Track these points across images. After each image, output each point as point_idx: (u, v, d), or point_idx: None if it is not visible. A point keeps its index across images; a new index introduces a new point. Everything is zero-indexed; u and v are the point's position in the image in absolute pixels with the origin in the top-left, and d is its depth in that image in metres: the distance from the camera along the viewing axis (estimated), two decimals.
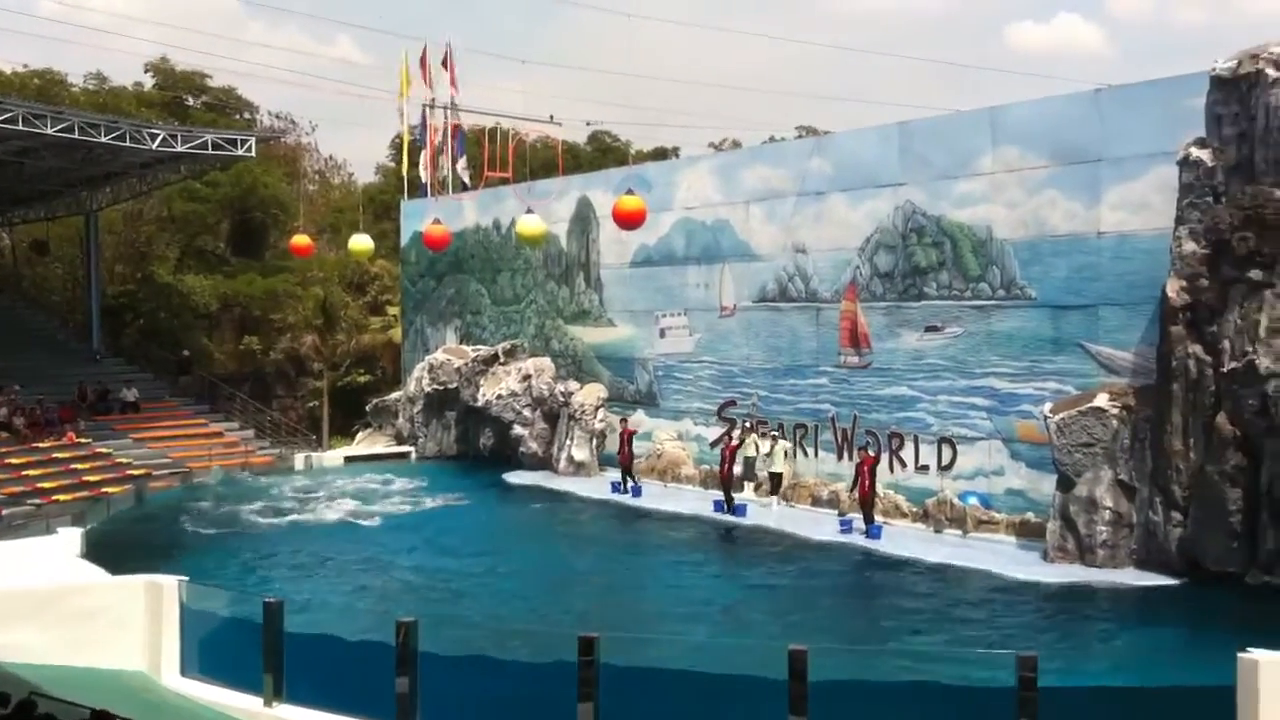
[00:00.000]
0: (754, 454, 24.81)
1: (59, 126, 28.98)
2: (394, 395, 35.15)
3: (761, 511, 23.48)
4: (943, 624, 15.94)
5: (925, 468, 22.32)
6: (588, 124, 48.01)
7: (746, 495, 24.39)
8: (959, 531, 21.05)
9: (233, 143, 33.42)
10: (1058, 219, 20.35)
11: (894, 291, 23.03)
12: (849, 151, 24.27)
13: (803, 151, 26.07)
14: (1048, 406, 19.38)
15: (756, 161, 26.89)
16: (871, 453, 21.91)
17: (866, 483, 21.21)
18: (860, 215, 23.62)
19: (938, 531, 21.27)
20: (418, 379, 32.88)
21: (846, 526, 21.62)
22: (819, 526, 21.96)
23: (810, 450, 24.53)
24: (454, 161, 37.09)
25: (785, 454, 24.21)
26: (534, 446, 29.61)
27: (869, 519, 21.17)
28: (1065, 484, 18.73)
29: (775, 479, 24.11)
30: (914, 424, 22.56)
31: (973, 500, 21.30)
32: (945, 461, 22.05)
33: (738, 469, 24.34)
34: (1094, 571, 18.02)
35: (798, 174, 25.01)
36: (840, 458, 23.84)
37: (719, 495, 24.13)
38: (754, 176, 26.15)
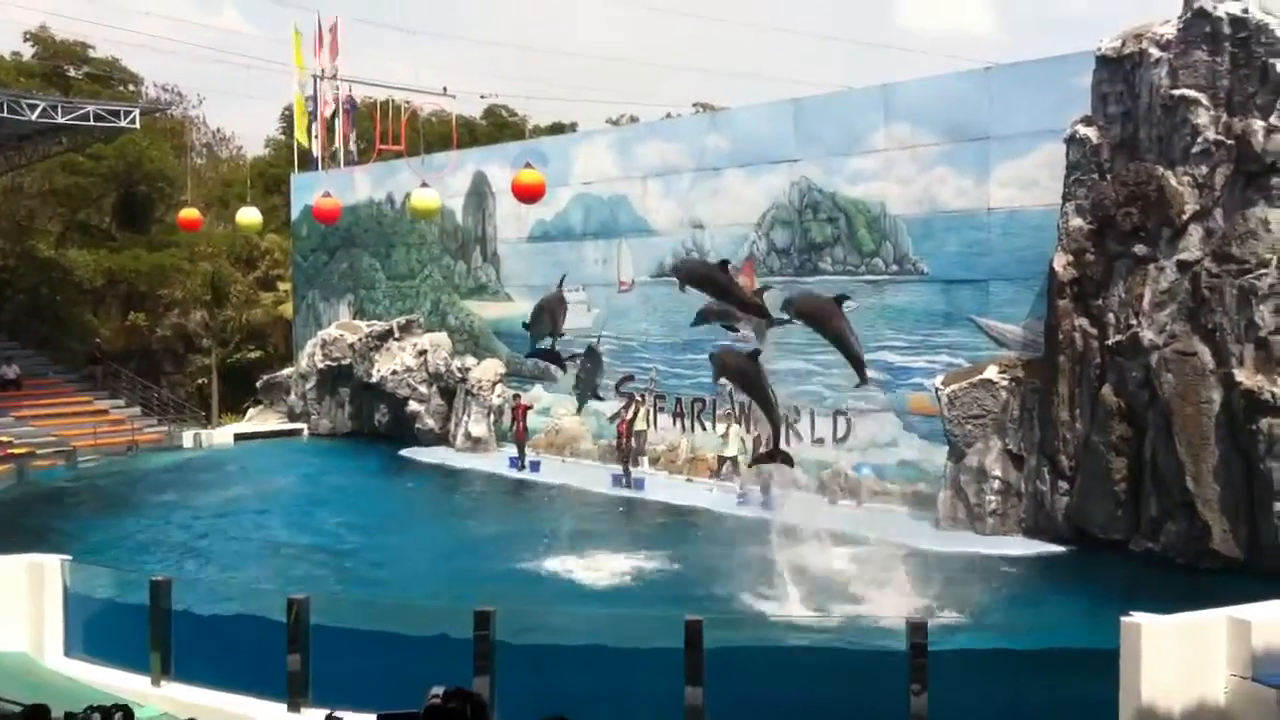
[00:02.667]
0: (644, 427, 24.90)
1: None
2: (285, 372, 34.53)
3: (657, 485, 23.56)
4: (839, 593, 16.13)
5: (820, 440, 22.56)
6: (482, 97, 47.64)
7: (644, 470, 24.48)
8: (853, 502, 21.36)
9: (116, 114, 32.42)
10: (949, 195, 20.69)
11: (791, 267, 23.21)
12: (745, 127, 24.38)
13: (699, 127, 26.13)
14: (939, 379, 19.73)
15: (653, 137, 26.88)
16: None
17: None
18: (757, 191, 23.74)
19: (833, 503, 21.55)
20: (310, 355, 32.33)
21: (744, 500, 21.82)
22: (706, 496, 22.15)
23: (708, 424, 24.64)
24: (345, 134, 36.42)
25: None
26: (430, 423, 29.33)
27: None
28: (956, 454, 19.11)
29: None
30: (809, 396, 22.77)
31: (866, 471, 21.62)
32: (840, 434, 22.32)
33: (634, 443, 24.40)
34: (984, 539, 18.43)
35: (694, 150, 25.06)
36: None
37: (617, 470, 24.14)
38: (651, 152, 26.13)
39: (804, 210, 22.91)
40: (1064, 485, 17.96)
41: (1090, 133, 17.89)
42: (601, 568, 17.88)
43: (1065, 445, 17.88)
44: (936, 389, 19.52)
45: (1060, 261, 17.91)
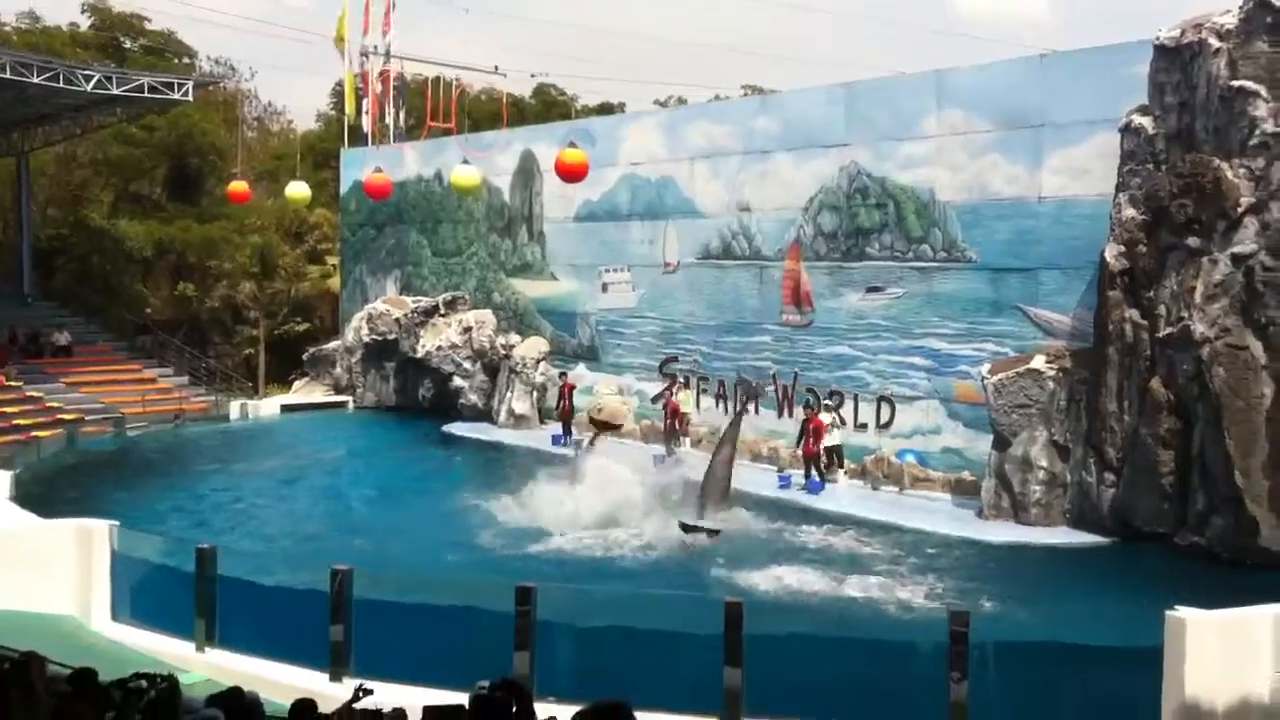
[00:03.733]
0: (687, 410, 24.90)
1: None
2: (332, 345, 34.77)
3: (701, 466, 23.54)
4: (879, 578, 16.10)
5: (864, 426, 22.47)
6: (533, 76, 47.66)
7: (686, 451, 24.47)
8: (895, 488, 21.30)
9: (170, 86, 32.82)
10: (1000, 183, 20.49)
11: (837, 251, 23.10)
12: (795, 111, 24.24)
13: (749, 110, 26.00)
14: (985, 367, 19.58)
15: (702, 119, 26.78)
16: (824, 418, 21.80)
17: (811, 441, 21.34)
18: (805, 175, 23.63)
19: (875, 489, 21.50)
20: (356, 329, 32.55)
21: (785, 482, 21.78)
22: (758, 481, 22.08)
23: (751, 407, 24.61)
24: (396, 110, 36.57)
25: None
26: (474, 399, 29.49)
27: (808, 474, 21.37)
28: (1001, 444, 18.97)
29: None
30: (853, 383, 22.71)
31: (909, 458, 21.54)
32: (884, 420, 22.23)
33: (677, 424, 24.47)
34: (1028, 530, 18.32)
35: (743, 132, 24.96)
36: (781, 415, 23.94)
37: (660, 449, 24.20)
38: (699, 134, 26.05)
39: (852, 195, 22.78)
40: (1110, 477, 17.79)
41: (1146, 122, 17.65)
42: (643, 545, 17.91)
43: (1112, 437, 17.71)
44: (983, 377, 19.38)
45: (1112, 252, 17.70)
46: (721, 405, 25.06)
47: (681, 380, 25.47)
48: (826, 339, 23.30)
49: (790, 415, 23.48)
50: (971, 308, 20.90)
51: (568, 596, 12.61)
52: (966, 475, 20.55)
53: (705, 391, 25.23)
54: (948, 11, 71.99)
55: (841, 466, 22.08)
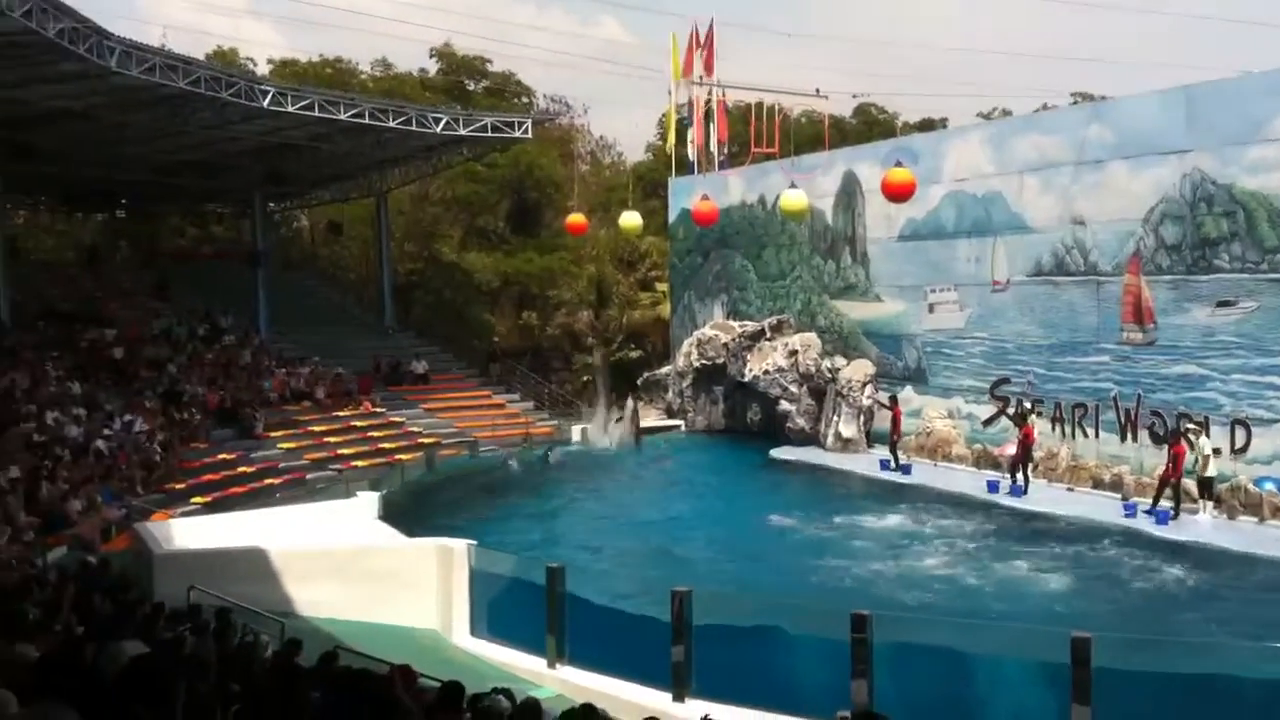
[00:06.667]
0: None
1: (351, 112, 30.89)
2: (664, 370, 35.91)
3: (1035, 492, 22.84)
4: (1242, 617, 15.14)
5: (1217, 451, 21.12)
6: (854, 96, 47.61)
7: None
8: (1254, 519, 19.93)
9: (510, 125, 34.79)
10: None
11: (1181, 264, 21.89)
12: (1130, 117, 23.15)
13: (1080, 119, 25.02)
14: None
15: (1030, 130, 25.99)
16: (1204, 445, 20.50)
17: (1171, 467, 20.31)
18: (1143, 184, 22.53)
19: (1230, 518, 20.19)
20: (686, 354, 33.49)
21: (1130, 510, 20.83)
22: (1100, 509, 21.21)
23: (1090, 431, 23.64)
24: (720, 138, 37.42)
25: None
26: (801, 422, 29.71)
27: (1156, 501, 20.36)
28: None
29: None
30: (1204, 404, 21.42)
31: (1269, 486, 20.10)
32: (1239, 444, 20.84)
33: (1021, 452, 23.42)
34: None
35: (1075, 142, 24.07)
36: (1124, 439, 22.88)
37: (992, 475, 23.69)
38: (1028, 146, 25.31)
39: (1196, 204, 21.53)
40: None
41: None
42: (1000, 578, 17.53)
43: None
44: None
45: None
46: (1057, 428, 24.20)
47: (1028, 405, 24.53)
48: (1171, 357, 22.09)
49: (1134, 439, 22.42)
50: None
51: (898, 622, 12.62)
52: None
53: (1039, 414, 24.39)
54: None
55: (1212, 499, 20.51)
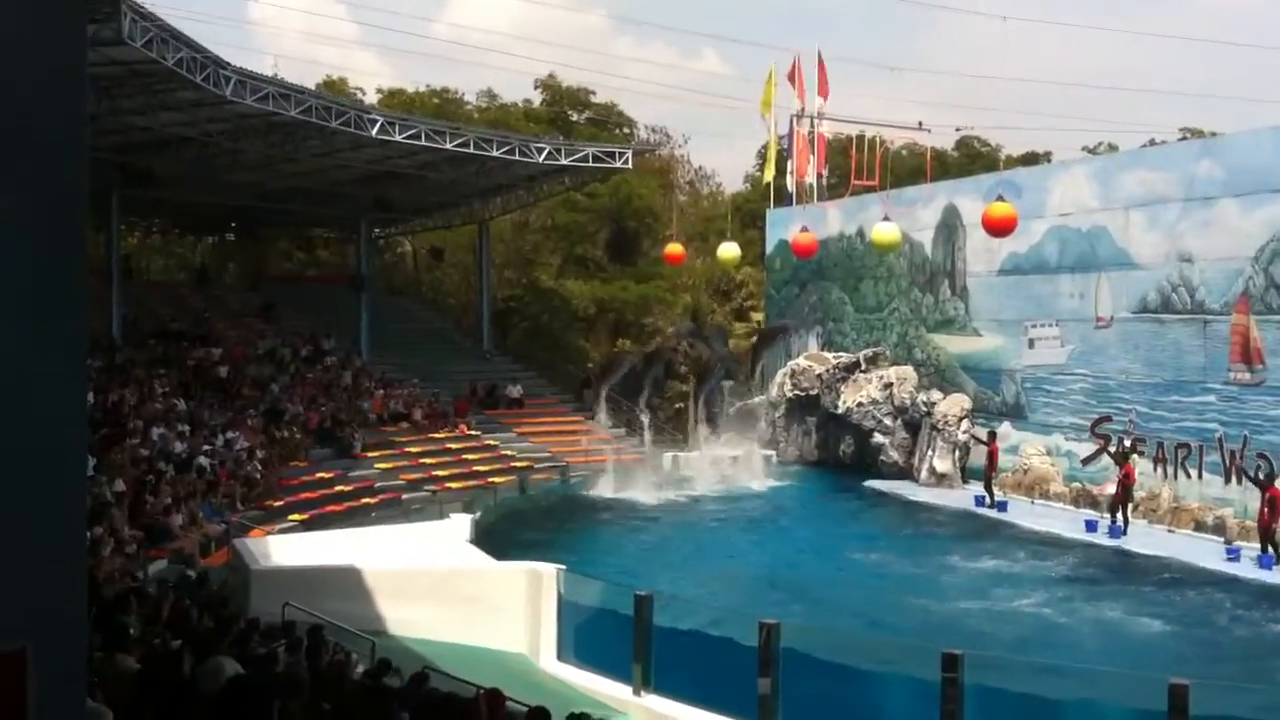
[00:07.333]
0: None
1: (456, 142, 31.54)
2: (757, 399, 35.84)
3: (1135, 533, 22.31)
4: None
5: None
6: (957, 130, 47.21)
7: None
8: None
9: (611, 155, 35.18)
10: None
11: None
12: (1243, 153, 22.64)
13: (1189, 154, 24.53)
14: None
15: (1137, 165, 25.55)
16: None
17: (1266, 512, 19.73)
18: (1255, 222, 21.99)
19: None
20: (780, 384, 33.38)
21: (1234, 554, 20.23)
22: (1201, 553, 20.63)
23: (1193, 472, 23.05)
24: (819, 170, 37.35)
25: None
26: (894, 456, 29.41)
27: (1264, 548, 19.75)
28: None
29: None
30: None
31: None
32: None
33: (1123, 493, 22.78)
34: None
35: (1184, 178, 23.59)
36: (1228, 481, 22.27)
37: (1090, 515, 23.20)
38: (1134, 181, 24.87)
39: None
40: None
41: None
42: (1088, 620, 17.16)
43: None
44: None
45: None
46: (1159, 469, 23.64)
47: (1129, 444, 24.00)
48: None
49: (1239, 482, 21.80)
50: None
51: (989, 663, 12.43)
52: None
53: (1142, 454, 23.84)
54: None
55: None
